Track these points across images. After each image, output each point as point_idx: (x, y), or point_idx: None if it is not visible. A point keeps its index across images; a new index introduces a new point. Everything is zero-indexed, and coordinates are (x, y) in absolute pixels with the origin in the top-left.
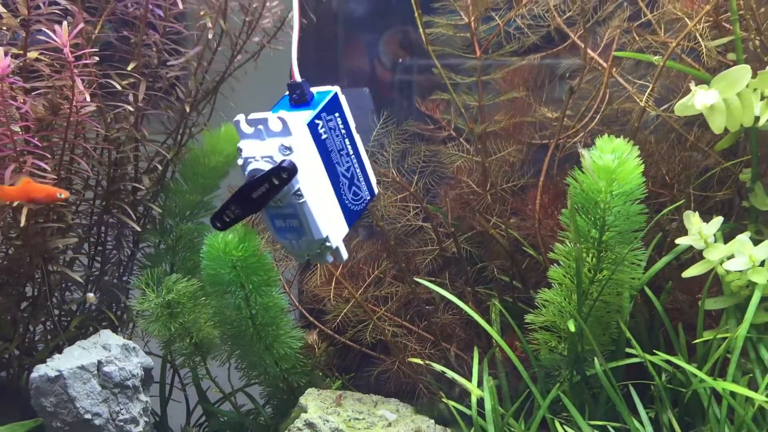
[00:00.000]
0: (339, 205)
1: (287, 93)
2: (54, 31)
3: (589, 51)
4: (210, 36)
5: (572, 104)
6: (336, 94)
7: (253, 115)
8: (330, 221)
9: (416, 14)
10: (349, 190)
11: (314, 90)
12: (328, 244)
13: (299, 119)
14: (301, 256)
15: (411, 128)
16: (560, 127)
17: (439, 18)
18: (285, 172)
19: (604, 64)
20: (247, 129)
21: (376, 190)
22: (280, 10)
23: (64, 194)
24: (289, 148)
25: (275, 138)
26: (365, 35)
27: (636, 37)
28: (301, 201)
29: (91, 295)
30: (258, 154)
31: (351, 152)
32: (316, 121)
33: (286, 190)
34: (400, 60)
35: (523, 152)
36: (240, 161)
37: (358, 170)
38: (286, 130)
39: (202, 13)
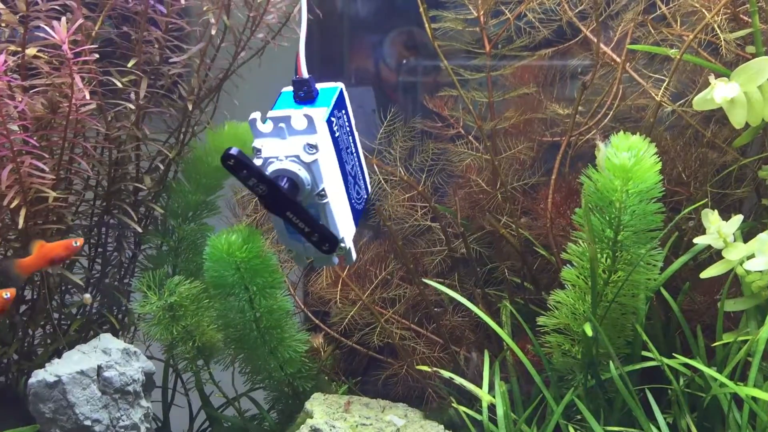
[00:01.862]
0: (348, 205)
1: (286, 89)
2: (52, 28)
3: (602, 46)
4: (213, 32)
5: (584, 100)
6: (341, 90)
7: (273, 113)
8: (344, 222)
9: (421, 8)
10: (353, 189)
11: (318, 86)
12: (342, 245)
13: (319, 116)
14: (303, 259)
15: (419, 126)
16: (572, 123)
17: (446, 13)
18: (329, 244)
19: (618, 59)
20: (263, 127)
21: (369, 188)
22: (285, 5)
23: (79, 242)
24: (315, 147)
25: (299, 136)
26: (370, 35)
27: (651, 30)
28: (324, 201)
29: (87, 296)
30: (281, 153)
31: (353, 150)
32: (331, 118)
33: (308, 190)
34: (405, 61)
35: (534, 150)
36: (258, 161)
37: (358, 168)
38: (311, 128)
39: (205, 8)
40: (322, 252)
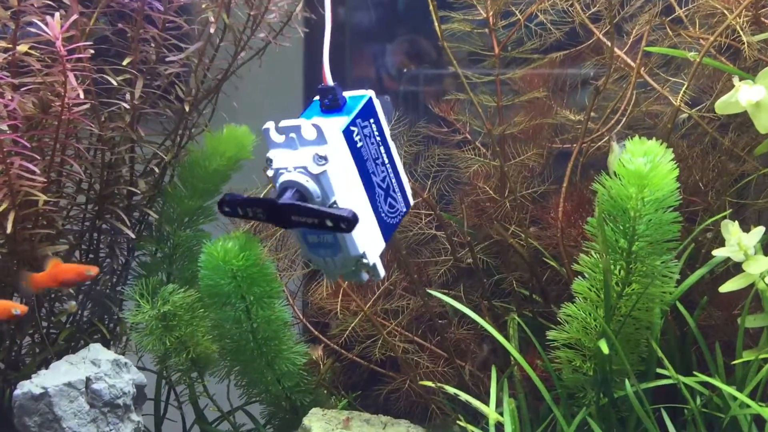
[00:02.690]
0: (375, 219)
1: (317, 98)
2: (45, 23)
3: (615, 49)
4: (212, 31)
5: (597, 106)
6: (370, 98)
7: (284, 123)
8: (367, 236)
9: (431, 6)
10: (384, 202)
11: (347, 94)
12: (364, 261)
13: (334, 126)
14: (335, 274)
15: (424, 131)
16: (584, 130)
17: (455, 14)
18: (345, 223)
19: (632, 63)
20: (277, 137)
21: (411, 201)
22: (287, 4)
23: (93, 270)
24: (324, 158)
25: (309, 147)
26: (373, 44)
27: (669, 32)
28: None
29: (72, 303)
30: (290, 164)
31: (386, 161)
32: (351, 128)
33: (319, 203)
34: (405, 70)
35: (544, 156)
36: (270, 172)
37: (393, 180)
38: (320, 138)
39: (204, 6)
40: (344, 231)
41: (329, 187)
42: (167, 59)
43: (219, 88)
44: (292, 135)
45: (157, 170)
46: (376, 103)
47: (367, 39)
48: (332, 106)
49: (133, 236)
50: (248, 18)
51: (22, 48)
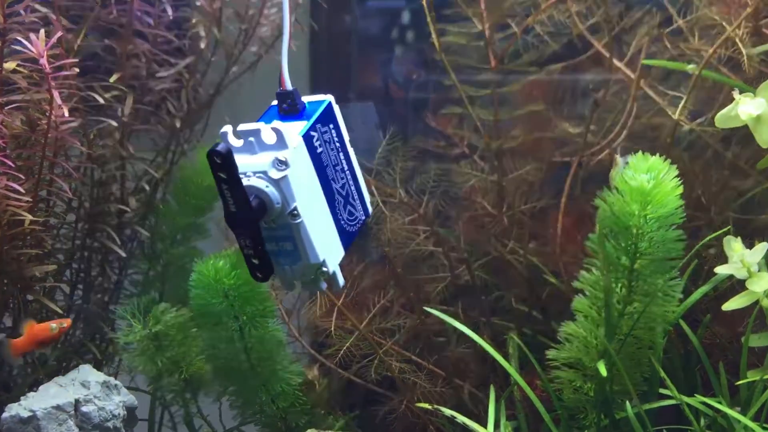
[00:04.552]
0: (335, 227)
1: (275, 103)
2: (30, 41)
3: (615, 61)
4: (203, 46)
5: (596, 118)
6: (330, 103)
7: (242, 126)
8: (326, 244)
9: (428, 18)
10: (344, 210)
11: (306, 99)
12: (324, 269)
13: (294, 130)
14: (291, 284)
15: (421, 145)
16: (584, 143)
17: (451, 26)
18: (218, 157)
19: (632, 75)
20: (236, 142)
21: (370, 210)
22: (278, 18)
23: (66, 323)
24: (285, 163)
25: (269, 152)
26: (379, 53)
27: (667, 45)
28: (297, 221)
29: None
30: (249, 169)
31: (345, 167)
32: (311, 133)
33: (279, 209)
34: (414, 77)
35: (543, 171)
36: None
37: (352, 187)
38: (281, 143)
39: (194, 21)
40: (221, 168)
41: (290, 192)
42: (158, 75)
43: (211, 103)
44: (251, 139)
45: (148, 187)
46: (336, 108)
47: (375, 47)
48: (291, 110)
49: (124, 255)
50: (240, 32)
51: (9, 65)
